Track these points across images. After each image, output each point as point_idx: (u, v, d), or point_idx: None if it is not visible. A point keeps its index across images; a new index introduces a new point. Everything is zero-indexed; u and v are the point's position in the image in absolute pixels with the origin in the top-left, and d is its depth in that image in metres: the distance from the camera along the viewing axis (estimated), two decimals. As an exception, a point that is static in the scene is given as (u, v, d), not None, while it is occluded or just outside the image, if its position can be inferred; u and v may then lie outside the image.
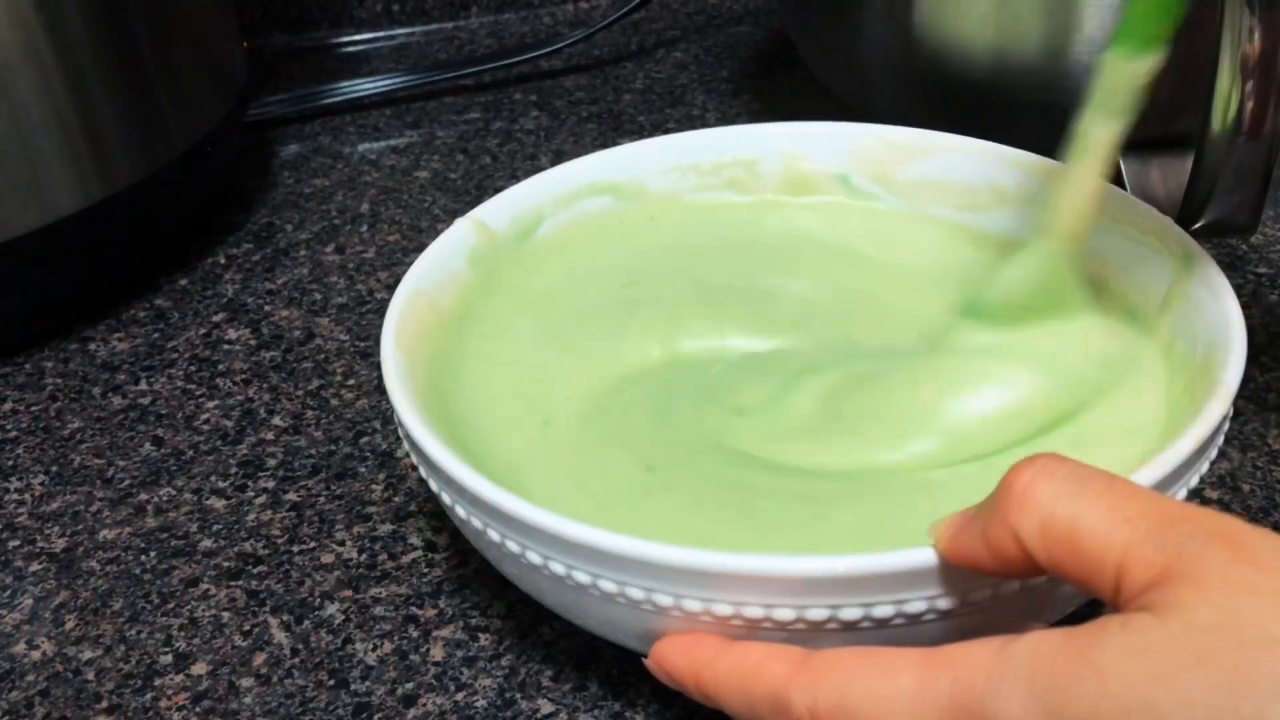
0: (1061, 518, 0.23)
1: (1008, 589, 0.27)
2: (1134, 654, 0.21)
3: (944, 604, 0.26)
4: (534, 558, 0.28)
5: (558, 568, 0.28)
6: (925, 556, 0.26)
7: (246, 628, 0.36)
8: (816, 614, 0.26)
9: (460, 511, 0.30)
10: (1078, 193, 0.34)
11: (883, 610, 0.26)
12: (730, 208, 0.43)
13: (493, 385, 0.36)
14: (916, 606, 0.26)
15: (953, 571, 0.26)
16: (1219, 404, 0.29)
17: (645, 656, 0.29)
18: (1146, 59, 0.32)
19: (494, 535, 0.29)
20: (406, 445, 0.32)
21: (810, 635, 0.27)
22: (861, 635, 0.27)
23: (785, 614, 0.26)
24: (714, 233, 0.42)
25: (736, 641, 0.27)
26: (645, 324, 0.39)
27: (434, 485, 0.31)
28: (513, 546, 0.29)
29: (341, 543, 0.39)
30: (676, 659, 0.28)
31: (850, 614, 0.26)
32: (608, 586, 0.27)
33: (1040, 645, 0.22)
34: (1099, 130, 0.33)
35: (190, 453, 0.43)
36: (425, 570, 0.38)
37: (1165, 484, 0.28)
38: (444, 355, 0.36)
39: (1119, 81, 0.32)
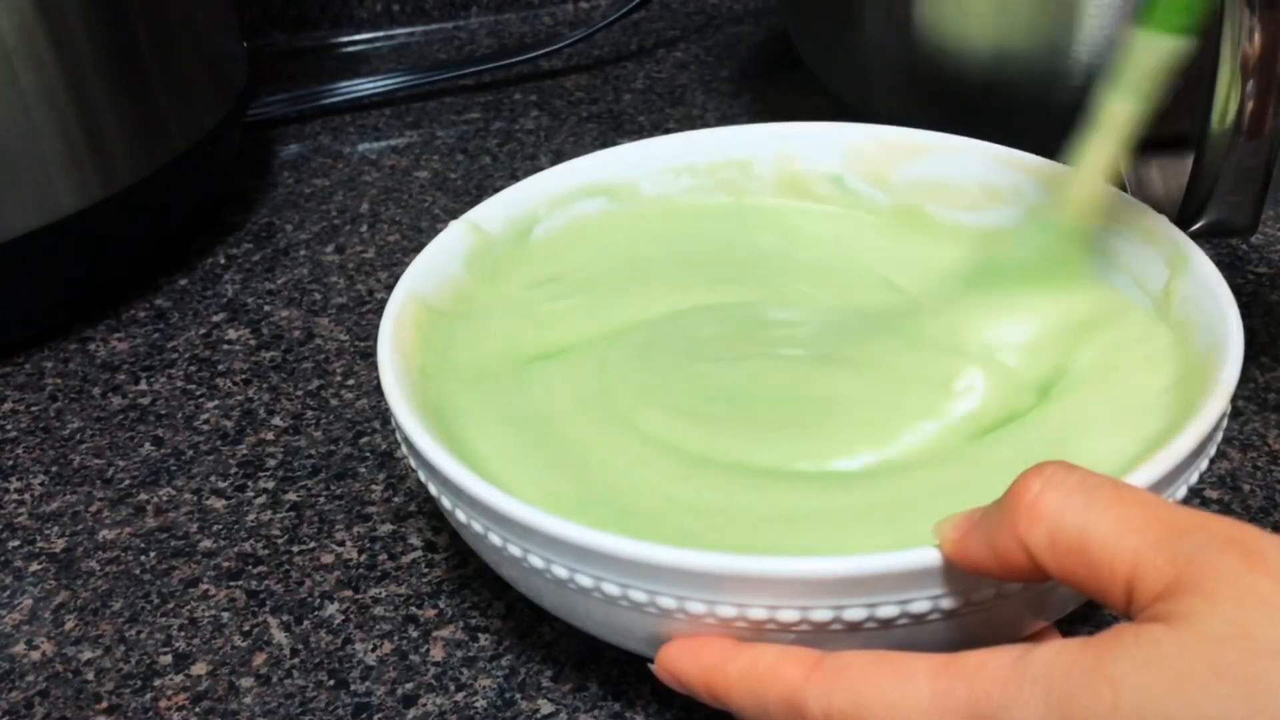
0: (1070, 528, 0.23)
1: (1012, 588, 0.27)
2: (1148, 666, 0.21)
3: (948, 603, 0.26)
4: (536, 561, 0.28)
5: (560, 571, 0.28)
6: (930, 556, 0.26)
7: (246, 628, 0.36)
8: (820, 615, 0.26)
9: (460, 515, 0.30)
10: (1092, 166, 0.34)
11: (887, 610, 0.26)
12: (724, 211, 0.43)
13: (490, 388, 0.36)
14: (921, 606, 0.26)
15: (957, 571, 0.26)
16: (1217, 401, 0.29)
17: (649, 661, 0.29)
18: (1173, 42, 0.32)
19: (495, 539, 0.29)
20: (405, 450, 0.32)
21: (815, 636, 0.27)
22: (866, 636, 0.27)
23: (789, 615, 0.26)
24: (708, 237, 0.42)
25: (746, 643, 0.27)
26: (643, 325, 0.39)
27: (434, 489, 0.31)
28: (514, 550, 0.29)
29: (341, 543, 0.39)
30: (685, 662, 0.27)
31: (854, 614, 0.26)
32: (611, 589, 0.27)
33: (1057, 656, 0.22)
34: (1117, 106, 0.33)
35: (190, 453, 0.43)
36: (425, 570, 0.38)
37: (1165, 482, 0.28)
38: (442, 358, 0.36)
39: (1143, 60, 0.32)
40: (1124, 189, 0.41)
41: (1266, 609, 0.21)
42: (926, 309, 0.37)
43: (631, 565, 0.27)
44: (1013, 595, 0.27)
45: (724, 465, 0.33)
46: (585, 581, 0.28)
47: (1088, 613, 0.34)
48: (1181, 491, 0.29)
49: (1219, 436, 0.30)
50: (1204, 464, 0.29)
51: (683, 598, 0.27)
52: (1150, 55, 0.32)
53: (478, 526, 0.29)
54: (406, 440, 0.31)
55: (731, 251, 0.42)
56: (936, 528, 0.26)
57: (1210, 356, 0.31)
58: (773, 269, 0.41)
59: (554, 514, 0.28)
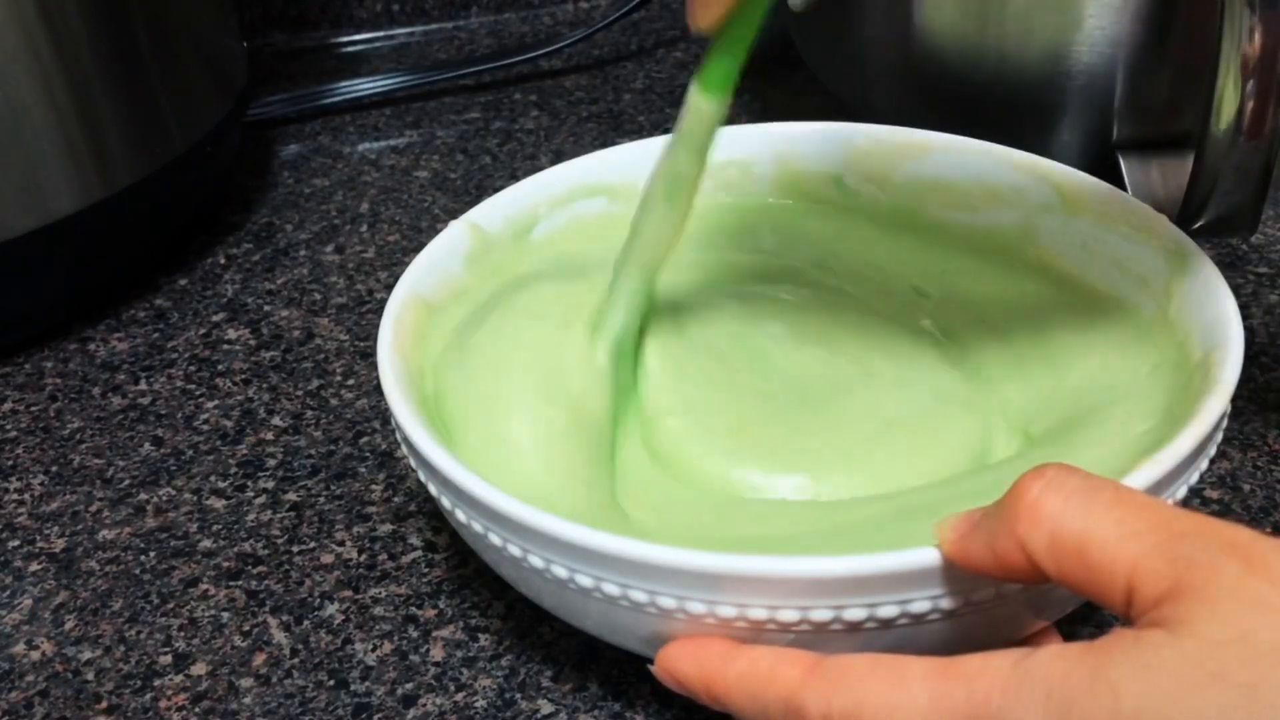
0: (1071, 531, 0.23)
1: (1011, 589, 0.26)
2: (1147, 671, 0.21)
3: (948, 604, 0.26)
4: (536, 561, 0.28)
5: (560, 571, 0.28)
6: (930, 557, 0.26)
7: (246, 628, 0.36)
8: (820, 615, 0.26)
9: (460, 515, 0.30)
10: (662, 225, 0.34)
11: (887, 610, 0.26)
12: (724, 210, 0.43)
13: (490, 387, 0.36)
14: (920, 606, 0.26)
15: (957, 571, 0.26)
16: (1217, 401, 0.29)
17: (649, 661, 0.29)
18: (720, 102, 0.32)
19: (495, 539, 0.29)
20: (405, 449, 0.32)
21: (815, 636, 0.27)
22: (866, 636, 0.27)
23: (789, 615, 0.26)
24: (709, 236, 0.42)
25: (746, 645, 0.27)
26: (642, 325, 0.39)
27: (434, 489, 0.31)
28: (514, 550, 0.29)
29: (341, 543, 0.39)
30: (685, 664, 0.27)
31: (854, 614, 0.26)
32: (610, 589, 0.27)
33: (1056, 660, 0.22)
34: (683, 165, 0.33)
35: (190, 453, 0.43)
36: (425, 570, 0.38)
37: (1165, 482, 0.28)
38: (441, 358, 0.36)
39: (699, 117, 0.33)
40: (1123, 188, 0.41)
41: (1266, 613, 0.21)
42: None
43: (631, 565, 0.27)
44: (1012, 596, 0.27)
45: (726, 457, 0.33)
46: (585, 582, 0.28)
47: (1087, 613, 0.34)
48: (1182, 492, 0.29)
49: (1219, 437, 0.30)
50: (1204, 464, 0.29)
51: (683, 598, 0.27)
52: (705, 113, 0.33)
53: (478, 526, 0.29)
54: (406, 440, 0.31)
55: (730, 250, 0.42)
56: (936, 528, 0.26)
57: (1210, 356, 0.31)
58: (773, 267, 0.41)
59: (554, 513, 0.28)
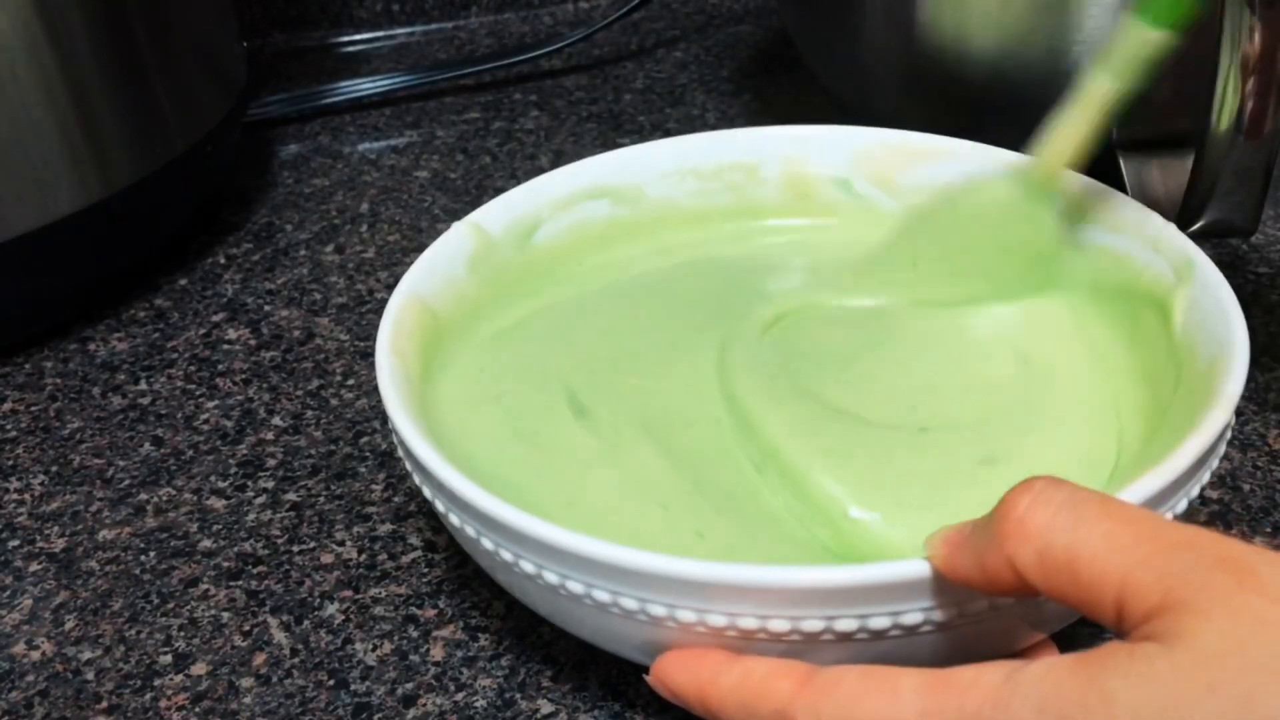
0: (1058, 546, 0.23)
1: (1004, 602, 0.26)
2: (1142, 683, 0.21)
3: (940, 616, 0.26)
4: (527, 567, 0.28)
5: (551, 577, 0.28)
6: (921, 569, 0.26)
7: (246, 628, 0.36)
8: (811, 625, 0.26)
9: (455, 520, 0.30)
10: (1065, 134, 0.36)
11: (879, 622, 0.26)
12: (725, 213, 0.43)
13: (490, 390, 0.36)
14: (912, 618, 0.26)
15: (949, 584, 0.26)
16: (1221, 412, 0.29)
17: (646, 670, 0.29)
18: (1159, 35, 0.33)
19: (487, 544, 0.29)
20: (401, 452, 0.32)
21: (806, 647, 0.26)
22: (857, 647, 0.26)
23: (780, 625, 0.26)
24: (712, 241, 0.42)
25: (740, 656, 0.27)
26: (644, 330, 0.39)
27: (428, 492, 0.31)
28: (506, 555, 0.28)
29: (341, 543, 0.39)
30: (679, 674, 0.27)
31: (846, 625, 0.26)
32: (601, 596, 0.27)
33: (1049, 673, 0.22)
34: (1098, 84, 0.35)
35: (190, 453, 0.43)
36: (425, 570, 0.38)
37: (1165, 494, 0.27)
38: (441, 360, 0.36)
39: (1129, 45, 0.34)
40: (1123, 189, 0.41)
41: (1259, 626, 0.21)
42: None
43: (621, 572, 0.26)
44: (1006, 608, 0.27)
45: (724, 461, 0.33)
46: (575, 588, 0.27)
47: (1085, 623, 0.34)
48: (1182, 505, 0.28)
49: (1221, 449, 0.29)
50: (1206, 476, 0.29)
51: (673, 605, 0.27)
52: (1136, 43, 0.34)
53: (470, 531, 0.29)
54: (402, 443, 0.31)
55: (732, 259, 0.42)
56: (926, 541, 0.26)
57: (1215, 365, 0.31)
58: (776, 273, 0.41)
59: (547, 519, 0.27)
